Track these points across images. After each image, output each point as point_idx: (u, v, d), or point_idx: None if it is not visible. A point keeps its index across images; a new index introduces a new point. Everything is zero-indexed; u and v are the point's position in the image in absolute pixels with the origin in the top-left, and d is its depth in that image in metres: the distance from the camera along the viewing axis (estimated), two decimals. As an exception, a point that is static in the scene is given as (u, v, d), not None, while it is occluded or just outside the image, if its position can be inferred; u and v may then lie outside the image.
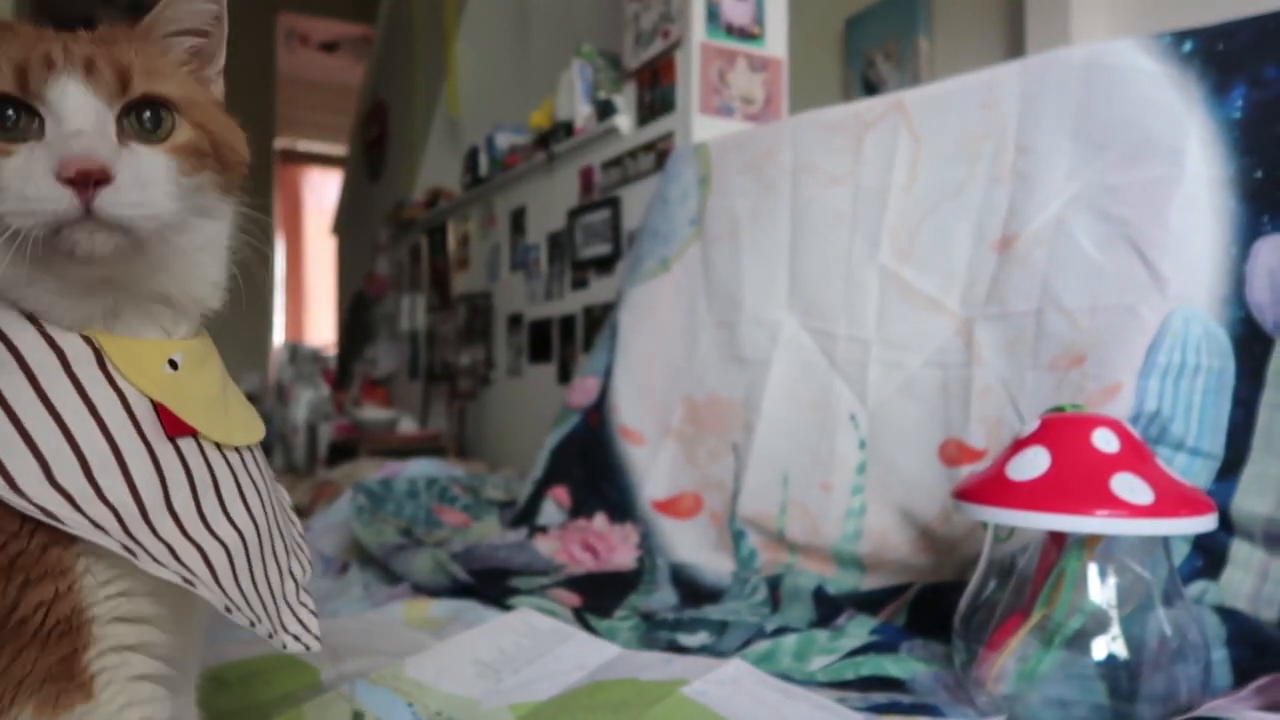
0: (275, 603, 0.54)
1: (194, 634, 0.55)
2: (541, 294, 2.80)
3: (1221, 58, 1.12)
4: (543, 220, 2.80)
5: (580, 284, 2.56)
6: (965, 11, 2.85)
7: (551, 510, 1.68)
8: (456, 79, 3.77)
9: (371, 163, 4.86)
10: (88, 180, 0.44)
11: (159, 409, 0.49)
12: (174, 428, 0.49)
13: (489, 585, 1.30)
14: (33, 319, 0.48)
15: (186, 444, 0.50)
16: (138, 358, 0.50)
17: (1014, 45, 2.65)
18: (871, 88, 3.23)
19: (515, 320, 2.99)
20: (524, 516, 1.69)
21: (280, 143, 6.28)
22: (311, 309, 6.39)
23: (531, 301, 2.87)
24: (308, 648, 0.55)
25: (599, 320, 2.37)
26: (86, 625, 0.47)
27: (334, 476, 2.35)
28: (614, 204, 2.35)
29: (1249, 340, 1.05)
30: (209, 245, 0.54)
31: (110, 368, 0.49)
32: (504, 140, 3.04)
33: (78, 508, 0.45)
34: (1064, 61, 1.25)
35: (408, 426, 3.52)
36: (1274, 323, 1.04)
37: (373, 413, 3.50)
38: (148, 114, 0.49)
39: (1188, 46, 1.14)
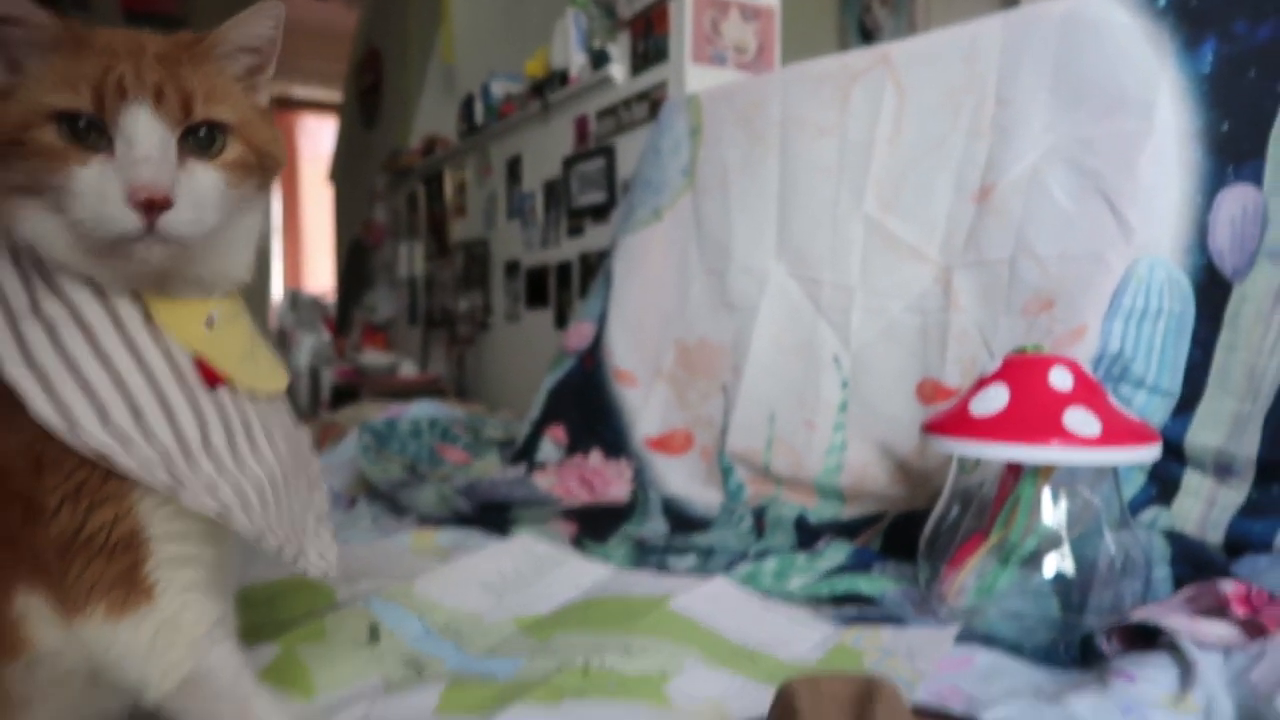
0: (298, 531, 0.61)
1: (232, 552, 0.62)
2: (538, 241, 2.85)
3: (1194, 12, 1.16)
4: (538, 168, 2.84)
5: (576, 231, 2.61)
6: (961, -43, 2.85)
7: (549, 448, 1.75)
8: (451, 26, 3.76)
9: (366, 110, 4.85)
10: (153, 206, 0.50)
11: (198, 362, 0.56)
12: (211, 378, 0.56)
13: (491, 516, 1.38)
14: (88, 280, 0.55)
15: (222, 393, 0.57)
16: (180, 316, 0.56)
17: (1008, -9, 2.66)
18: (867, 32, 3.24)
19: (512, 267, 3.04)
20: (523, 454, 1.77)
21: (274, 89, 6.22)
22: (309, 256, 6.42)
23: (528, 249, 2.91)
24: (326, 573, 0.62)
25: (594, 267, 2.43)
26: (144, 542, 0.54)
27: (339, 418, 2.42)
28: (608, 153, 2.39)
29: (1209, 285, 1.12)
30: (245, 234, 0.60)
31: (156, 324, 0.55)
32: (499, 89, 3.06)
33: (128, 447, 0.52)
34: (1044, 15, 1.29)
35: (408, 370, 3.59)
36: (1233, 269, 1.10)
37: (373, 357, 3.56)
38: (204, 133, 0.54)
39: (1162, 1, 1.18)
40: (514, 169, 3.02)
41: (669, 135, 1.82)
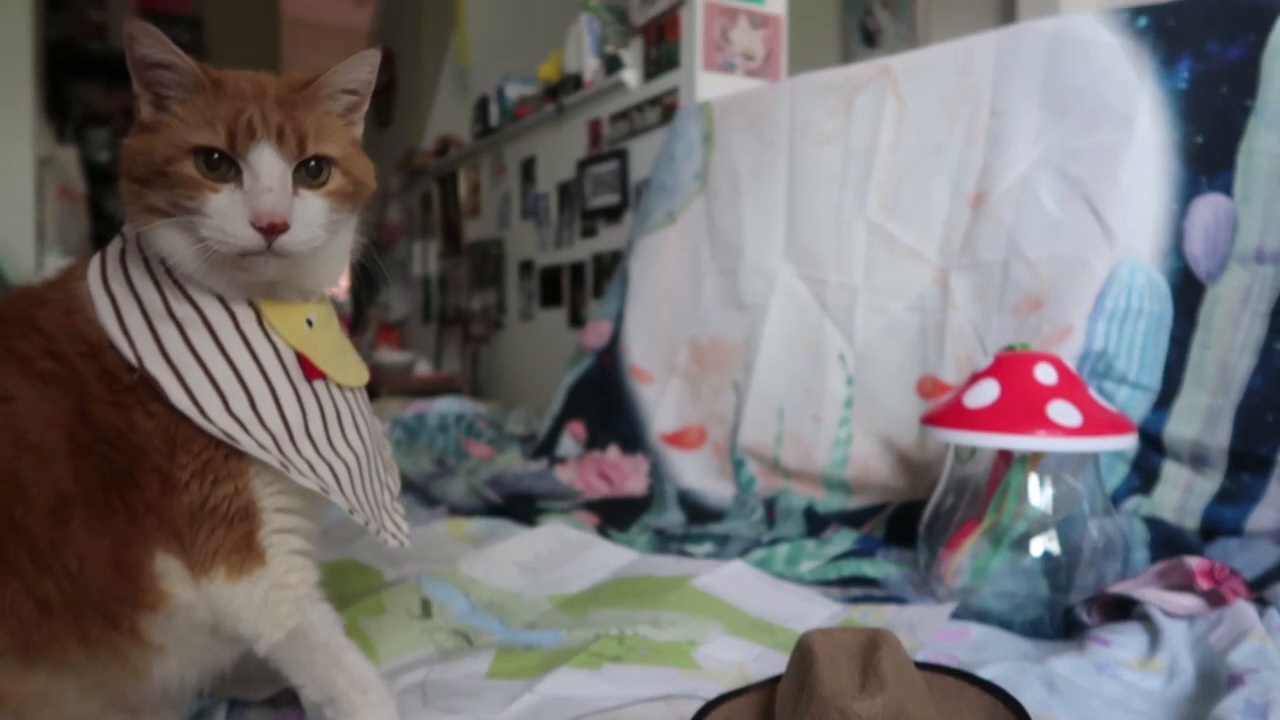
0: (378, 508, 0.71)
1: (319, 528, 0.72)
2: (552, 241, 2.94)
3: (1172, 32, 1.25)
4: (552, 170, 2.92)
5: (589, 232, 2.70)
6: (961, -40, 2.92)
7: (569, 443, 1.85)
8: (466, 28, 3.84)
9: (380, 110, 4.94)
10: (274, 230, 0.59)
11: (300, 357, 0.66)
12: (311, 372, 0.66)
13: (519, 506, 1.48)
14: (209, 288, 0.64)
15: (319, 385, 0.67)
16: (285, 318, 0.66)
17: (1007, -5, 2.74)
18: (869, 35, 3.32)
19: (526, 266, 3.13)
20: (544, 448, 1.86)
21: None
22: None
23: (542, 248, 3.00)
24: (402, 544, 0.71)
25: (608, 267, 2.52)
26: (258, 513, 0.64)
27: (362, 414, 2.53)
28: (622, 156, 2.48)
29: (1185, 287, 1.21)
30: (340, 248, 0.69)
31: (267, 325, 0.65)
32: (514, 91, 3.14)
33: (247, 431, 0.61)
34: (1035, 32, 1.38)
35: (423, 368, 3.69)
36: (1206, 272, 1.19)
37: (390, 355, 3.66)
38: (313, 165, 0.63)
39: (1142, 21, 1.27)
40: (528, 170, 3.11)
41: (682, 141, 1.91)
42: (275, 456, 0.62)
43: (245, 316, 0.64)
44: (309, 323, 0.67)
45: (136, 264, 0.64)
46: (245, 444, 0.61)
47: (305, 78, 0.65)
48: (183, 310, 0.62)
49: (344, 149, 0.65)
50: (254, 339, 0.64)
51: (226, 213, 0.59)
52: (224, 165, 0.60)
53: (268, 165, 0.60)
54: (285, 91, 0.63)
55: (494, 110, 3.30)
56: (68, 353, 0.61)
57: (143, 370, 0.60)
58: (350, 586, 1.07)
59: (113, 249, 0.66)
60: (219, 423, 0.60)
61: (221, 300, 0.64)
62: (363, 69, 0.67)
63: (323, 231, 0.63)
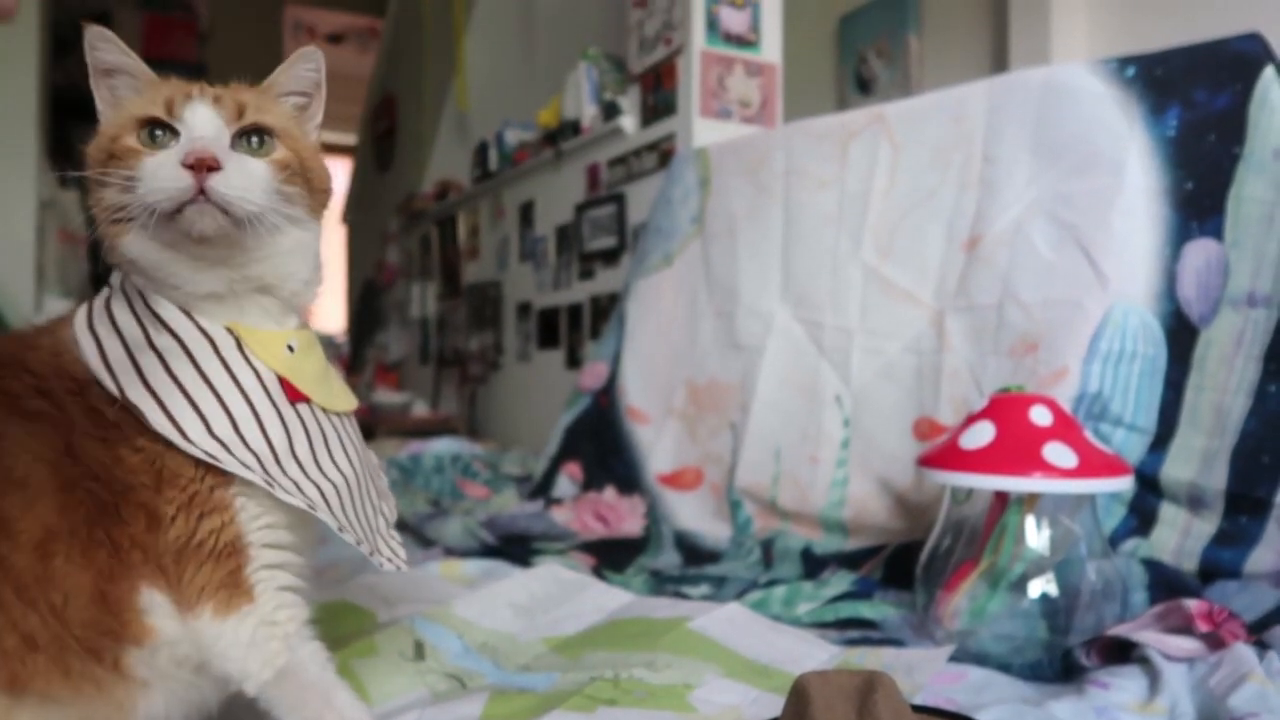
0: (372, 532, 0.70)
1: (310, 565, 0.71)
2: (550, 283, 2.95)
3: (1159, 82, 1.27)
4: (550, 213, 2.95)
5: (587, 274, 2.72)
6: (953, 11, 2.99)
7: (565, 484, 1.84)
8: (466, 75, 3.91)
9: (381, 154, 5.00)
10: (203, 166, 0.60)
11: (283, 381, 0.66)
12: (294, 395, 0.66)
13: (514, 548, 1.47)
14: (188, 314, 0.65)
15: (303, 408, 0.67)
16: (266, 343, 0.66)
17: (998, 43, 2.80)
18: (864, 83, 3.38)
19: (524, 308, 3.14)
20: (540, 489, 1.86)
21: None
22: (322, 295, 6.53)
23: (540, 290, 3.02)
24: (399, 569, 0.71)
25: (605, 309, 2.53)
26: (246, 548, 0.63)
27: (358, 455, 2.52)
28: (619, 200, 2.51)
29: (1178, 331, 1.22)
30: (299, 249, 0.69)
31: (247, 351, 0.65)
32: (513, 136, 3.19)
33: (230, 452, 0.61)
34: (1025, 82, 1.41)
35: (420, 409, 3.68)
36: (1199, 315, 1.20)
37: (387, 396, 3.66)
38: (254, 138, 0.65)
39: (1130, 71, 1.30)
40: (526, 213, 3.14)
41: (679, 185, 1.93)
42: (260, 475, 0.62)
43: (225, 343, 0.64)
44: (290, 348, 0.67)
45: (121, 304, 0.65)
46: (229, 464, 0.61)
47: (252, 84, 0.68)
48: (163, 340, 0.63)
49: (286, 125, 0.67)
50: (234, 364, 0.64)
51: (161, 164, 0.60)
52: (165, 134, 0.62)
53: (200, 119, 0.62)
54: (236, 86, 0.67)
55: (493, 155, 3.34)
56: (55, 390, 0.61)
57: (125, 399, 0.60)
58: (343, 628, 1.06)
59: (100, 297, 0.67)
60: (201, 444, 0.61)
61: (202, 331, 0.64)
62: (304, 67, 0.69)
63: (263, 196, 0.63)
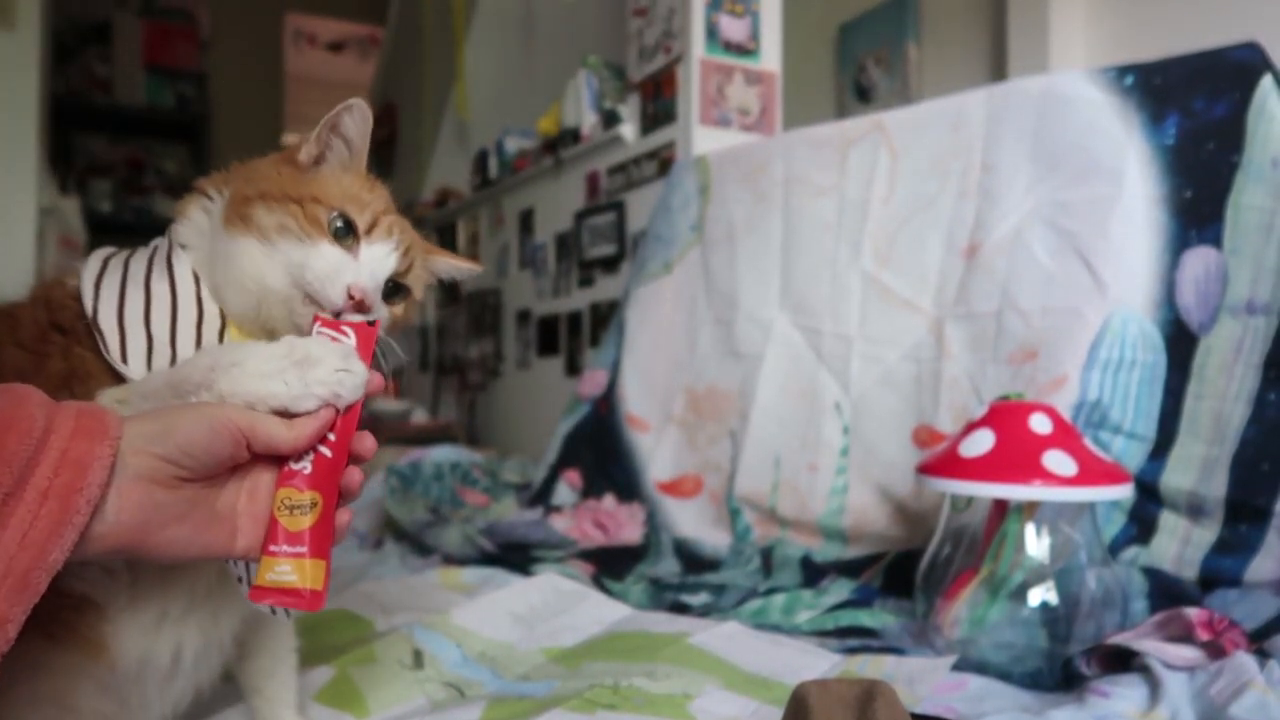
0: None
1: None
2: (549, 291, 2.95)
3: (1158, 90, 1.27)
4: (550, 221, 2.96)
5: (586, 282, 2.72)
6: (952, 19, 3.00)
7: (565, 491, 1.84)
8: (466, 83, 3.91)
9: (381, 162, 5.01)
10: (359, 307, 0.63)
11: None
12: None
13: (513, 555, 1.46)
14: (198, 281, 0.66)
15: None
16: (246, 337, 0.67)
17: (997, 51, 2.81)
18: (863, 91, 3.39)
19: (524, 315, 3.14)
20: (540, 497, 1.85)
21: (289, 139, 6.43)
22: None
23: (539, 298, 3.02)
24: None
25: (605, 316, 2.53)
26: None
27: (357, 463, 2.51)
28: (619, 207, 2.51)
29: (1177, 338, 1.22)
30: None
31: (226, 337, 0.66)
32: (513, 144, 3.19)
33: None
34: (1024, 90, 1.41)
35: (419, 416, 3.67)
36: (1199, 323, 1.20)
37: (386, 403, 3.65)
38: (397, 291, 0.69)
39: (1129, 80, 1.30)
40: (526, 221, 3.14)
41: (679, 193, 1.93)
42: None
43: (211, 322, 0.65)
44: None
45: (147, 252, 0.67)
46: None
47: (428, 245, 0.75)
48: (159, 288, 0.64)
49: (419, 289, 0.72)
50: (209, 337, 0.65)
51: (334, 264, 0.63)
52: (349, 236, 0.65)
53: (384, 261, 0.66)
54: (415, 233, 0.72)
55: (493, 163, 3.34)
56: (20, 308, 0.64)
57: (93, 320, 0.61)
58: (341, 636, 1.05)
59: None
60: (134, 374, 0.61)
61: (199, 300, 0.65)
62: (463, 272, 0.78)
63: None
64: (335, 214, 0.64)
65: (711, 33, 2.23)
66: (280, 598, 0.53)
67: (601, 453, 1.84)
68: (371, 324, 0.61)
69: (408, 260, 0.68)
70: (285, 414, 0.54)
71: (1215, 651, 0.86)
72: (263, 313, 0.65)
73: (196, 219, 0.67)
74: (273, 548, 0.53)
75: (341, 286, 0.62)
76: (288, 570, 0.53)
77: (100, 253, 0.67)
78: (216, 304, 0.66)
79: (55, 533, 0.44)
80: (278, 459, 0.55)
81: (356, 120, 0.66)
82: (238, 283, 0.64)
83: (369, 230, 0.65)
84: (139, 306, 0.63)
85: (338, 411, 0.55)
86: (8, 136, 2.61)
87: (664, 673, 0.91)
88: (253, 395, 0.54)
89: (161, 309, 0.63)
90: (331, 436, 0.55)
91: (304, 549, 0.53)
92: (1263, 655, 0.86)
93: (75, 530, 0.44)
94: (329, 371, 0.55)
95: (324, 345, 0.56)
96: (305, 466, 0.54)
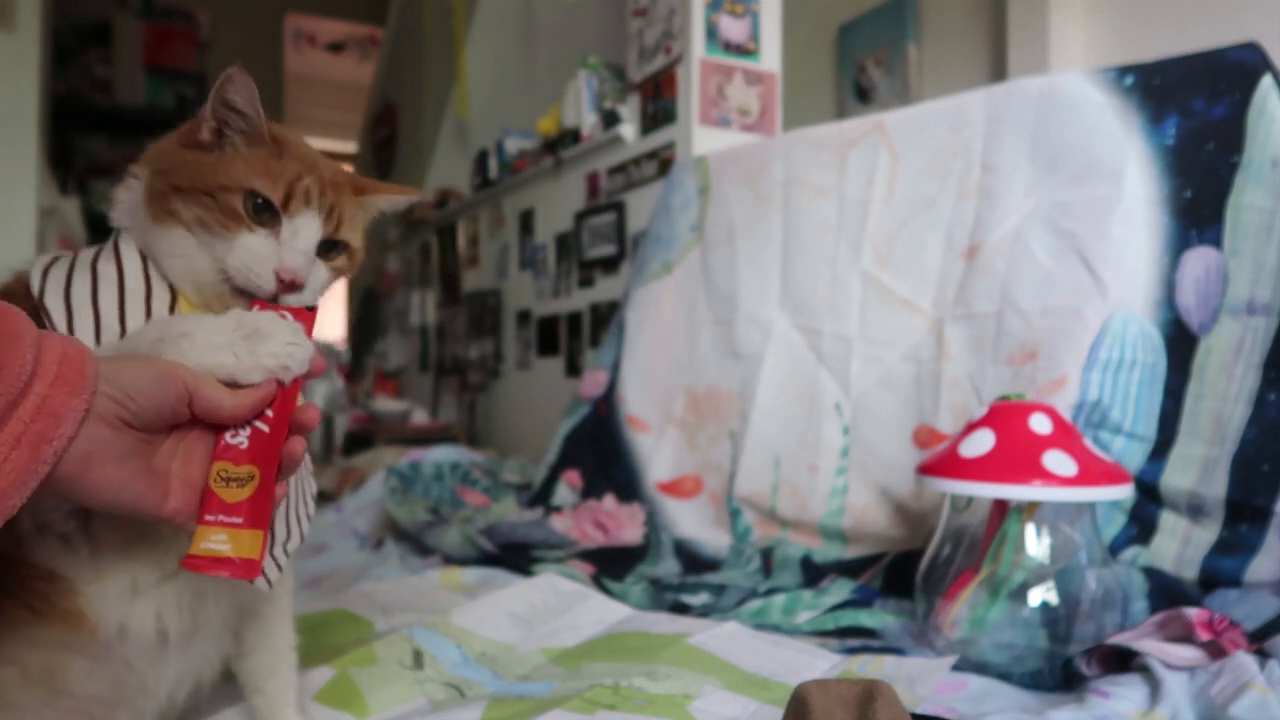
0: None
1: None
2: (549, 291, 2.96)
3: (1158, 91, 1.27)
4: (550, 221, 2.96)
5: (587, 282, 2.72)
6: (952, 19, 3.00)
7: (565, 492, 1.84)
8: (466, 84, 3.92)
9: (381, 163, 5.01)
10: (291, 287, 0.63)
11: None
12: None
13: (513, 556, 1.46)
14: (145, 259, 0.65)
15: None
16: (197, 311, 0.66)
17: (997, 52, 2.81)
18: (863, 92, 3.39)
19: (524, 316, 3.15)
20: (540, 497, 1.85)
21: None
22: (322, 304, 6.53)
23: (539, 298, 3.02)
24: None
25: (605, 317, 2.53)
26: None
27: (358, 463, 2.51)
28: (619, 208, 2.51)
29: (1178, 339, 1.22)
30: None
31: (176, 310, 0.65)
32: (513, 145, 3.19)
33: None
34: (1023, 91, 1.41)
35: (420, 417, 3.68)
36: (1199, 324, 1.20)
37: (387, 404, 3.65)
38: (332, 249, 0.68)
39: (1129, 80, 1.30)
40: (526, 221, 3.14)
41: (679, 193, 1.93)
42: None
43: (160, 297, 0.65)
44: None
45: (100, 244, 0.67)
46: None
47: (360, 182, 0.71)
48: (105, 268, 0.64)
49: (359, 241, 0.71)
50: (159, 312, 0.65)
51: (257, 254, 0.63)
52: (267, 214, 0.64)
53: (307, 231, 0.65)
54: (338, 177, 0.68)
55: (493, 163, 3.34)
56: None
57: (40, 302, 0.61)
58: (341, 637, 1.05)
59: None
60: None
61: (146, 276, 0.65)
62: (404, 203, 0.74)
63: (315, 297, 0.66)
64: (248, 196, 0.63)
65: (711, 33, 2.23)
66: (215, 567, 0.53)
67: (602, 453, 1.84)
68: (311, 309, 0.62)
69: (334, 219, 0.67)
70: (232, 385, 0.55)
71: (1215, 652, 0.86)
72: (204, 295, 0.65)
73: (126, 200, 0.67)
74: (208, 517, 0.54)
75: (269, 273, 0.62)
76: (223, 539, 0.54)
77: (55, 253, 0.68)
78: (165, 279, 0.66)
79: (20, 480, 0.44)
80: (215, 429, 0.55)
81: (240, 88, 0.64)
82: (173, 271, 0.65)
83: (285, 203, 0.64)
84: (86, 287, 0.63)
85: (280, 385, 0.56)
86: (8, 137, 2.61)
87: (664, 673, 0.91)
88: (201, 366, 0.54)
89: (109, 289, 0.64)
90: (270, 413, 0.56)
91: (240, 519, 0.54)
92: (1263, 655, 0.86)
93: (38, 479, 0.45)
94: (280, 344, 0.55)
95: (273, 320, 0.57)
96: (242, 441, 0.55)
